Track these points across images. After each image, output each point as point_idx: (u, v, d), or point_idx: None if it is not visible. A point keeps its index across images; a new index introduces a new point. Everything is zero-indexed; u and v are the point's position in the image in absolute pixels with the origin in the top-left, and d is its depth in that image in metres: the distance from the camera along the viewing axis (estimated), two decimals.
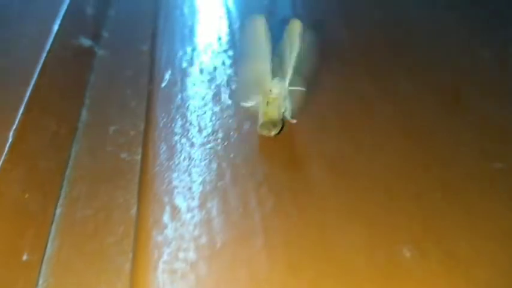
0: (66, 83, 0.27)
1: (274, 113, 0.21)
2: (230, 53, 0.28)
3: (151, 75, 0.26)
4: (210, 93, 0.25)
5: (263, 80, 0.21)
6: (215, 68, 0.26)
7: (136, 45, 0.30)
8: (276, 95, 0.20)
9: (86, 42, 0.29)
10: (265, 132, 0.21)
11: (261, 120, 0.21)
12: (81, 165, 0.23)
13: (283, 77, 0.21)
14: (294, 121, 0.22)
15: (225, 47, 0.28)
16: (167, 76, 0.25)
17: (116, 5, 0.33)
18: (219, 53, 0.27)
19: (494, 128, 0.23)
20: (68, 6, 0.30)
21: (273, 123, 0.21)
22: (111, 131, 0.25)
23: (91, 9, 0.32)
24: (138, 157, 0.23)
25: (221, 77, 0.26)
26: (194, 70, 0.26)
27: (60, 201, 0.22)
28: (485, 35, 0.30)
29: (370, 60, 0.27)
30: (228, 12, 0.31)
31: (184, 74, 0.26)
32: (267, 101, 0.21)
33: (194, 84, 0.25)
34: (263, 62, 0.21)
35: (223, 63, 0.27)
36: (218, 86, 0.25)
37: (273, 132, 0.21)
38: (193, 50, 0.27)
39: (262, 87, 0.21)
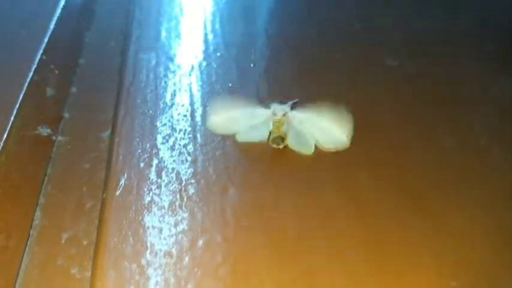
0: (21, 184, 0.26)
1: (281, 130, 0.26)
2: (190, 148, 0.27)
3: (107, 178, 0.25)
4: (166, 202, 0.24)
5: (262, 114, 0.26)
6: (173, 169, 0.26)
7: (97, 131, 0.30)
8: (280, 117, 0.26)
9: (44, 131, 0.29)
10: (275, 145, 0.26)
11: (272, 135, 0.26)
12: (30, 282, 0.23)
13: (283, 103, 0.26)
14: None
15: (185, 140, 0.28)
16: (122, 181, 0.25)
17: (78, 82, 0.33)
18: (178, 149, 0.27)
19: (454, 241, 0.23)
20: (27, 89, 0.30)
21: (282, 138, 0.26)
22: (63, 239, 0.24)
23: (51, 89, 0.31)
24: (89, 274, 0.22)
25: (178, 181, 0.25)
26: (152, 172, 0.26)
27: None
28: (450, 120, 0.30)
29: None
30: (191, 97, 0.30)
31: (140, 177, 0.25)
32: (273, 122, 0.26)
33: (150, 191, 0.25)
34: (250, 112, 0.26)
35: (183, 162, 0.26)
36: (174, 193, 0.25)
37: (282, 145, 0.26)
38: (153, 146, 0.27)
39: (264, 117, 0.26)
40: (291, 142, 0.27)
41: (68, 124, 0.30)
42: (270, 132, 0.26)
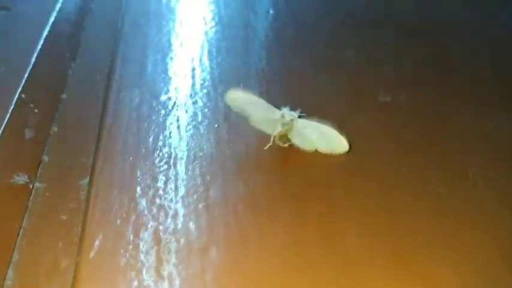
0: None
1: (287, 132, 0.28)
2: (171, 200, 0.26)
3: (82, 237, 0.24)
4: (143, 265, 0.23)
5: (272, 113, 0.28)
6: (151, 226, 0.25)
7: (76, 177, 0.29)
8: (289, 119, 0.27)
9: (21, 179, 0.28)
10: (280, 143, 0.28)
11: (279, 134, 0.28)
12: None
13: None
14: None
15: (166, 192, 0.26)
16: (97, 242, 0.24)
17: (59, 121, 0.32)
18: (158, 202, 0.26)
19: None
20: (3, 133, 0.29)
21: (287, 138, 0.28)
22: None
23: (30, 131, 0.30)
24: None
25: (157, 240, 0.24)
26: (129, 230, 0.24)
27: None
28: (445, 163, 0.29)
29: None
30: (174, 141, 0.29)
31: (117, 236, 0.24)
32: (282, 123, 0.27)
33: (127, 252, 0.24)
34: (265, 106, 0.28)
35: (162, 217, 0.25)
36: (152, 255, 0.24)
37: (287, 144, 0.28)
38: (131, 199, 0.26)
39: (274, 117, 0.28)
40: (295, 141, 0.28)
41: (47, 169, 0.29)
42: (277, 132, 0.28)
